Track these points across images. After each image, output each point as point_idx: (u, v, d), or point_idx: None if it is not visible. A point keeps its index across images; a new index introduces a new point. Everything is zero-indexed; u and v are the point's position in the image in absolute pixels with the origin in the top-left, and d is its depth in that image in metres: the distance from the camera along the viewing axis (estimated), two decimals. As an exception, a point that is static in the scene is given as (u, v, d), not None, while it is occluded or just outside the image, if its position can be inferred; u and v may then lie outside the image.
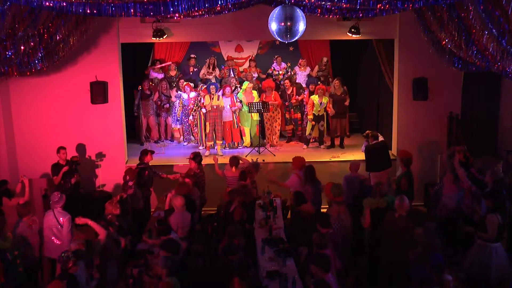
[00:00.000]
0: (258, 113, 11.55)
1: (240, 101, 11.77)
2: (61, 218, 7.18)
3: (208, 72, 12.78)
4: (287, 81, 12.23)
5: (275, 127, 11.97)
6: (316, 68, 12.95)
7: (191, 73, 12.79)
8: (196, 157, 9.25)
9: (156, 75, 12.58)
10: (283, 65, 13.07)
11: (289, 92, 12.14)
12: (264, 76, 12.80)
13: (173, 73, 12.68)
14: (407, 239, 6.56)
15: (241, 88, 12.12)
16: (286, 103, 12.11)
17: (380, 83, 12.11)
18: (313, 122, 11.72)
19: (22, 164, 9.99)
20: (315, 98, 11.61)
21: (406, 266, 6.26)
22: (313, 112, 11.67)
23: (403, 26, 10.27)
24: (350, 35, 10.39)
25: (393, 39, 10.71)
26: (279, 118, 12.06)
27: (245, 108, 11.74)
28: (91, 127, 10.23)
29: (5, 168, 9.69)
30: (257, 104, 11.41)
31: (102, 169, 10.33)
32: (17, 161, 10.09)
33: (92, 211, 9.17)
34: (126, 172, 8.73)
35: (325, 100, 11.62)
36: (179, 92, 12.17)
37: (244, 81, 12.36)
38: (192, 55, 12.93)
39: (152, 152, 9.51)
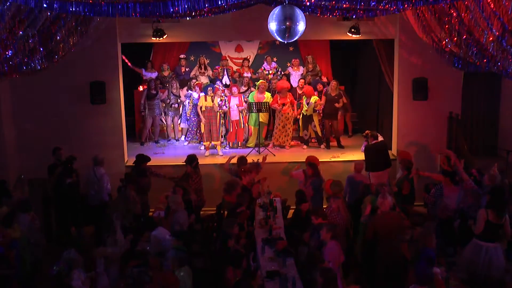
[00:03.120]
0: (268, 113, 11.55)
1: (247, 101, 11.76)
2: (98, 174, 9.06)
3: (200, 72, 12.78)
4: (301, 80, 12.20)
5: (288, 128, 11.91)
6: (304, 70, 12.90)
7: (183, 73, 12.79)
8: (192, 161, 9.17)
9: (150, 74, 12.58)
10: (273, 64, 13.08)
11: (300, 92, 12.09)
12: (255, 76, 12.81)
13: (166, 73, 12.69)
14: (400, 237, 6.64)
15: (254, 88, 12.08)
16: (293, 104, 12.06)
17: (380, 83, 12.12)
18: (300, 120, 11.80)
19: (22, 164, 9.98)
20: (304, 98, 11.61)
21: (401, 263, 6.31)
22: (302, 111, 11.66)
23: (403, 26, 10.27)
24: (350, 35, 10.39)
25: (393, 39, 10.71)
26: (293, 120, 11.97)
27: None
28: (91, 127, 10.23)
29: (4, 168, 9.69)
30: (257, 104, 11.40)
31: (102, 169, 10.32)
32: (17, 161, 10.09)
33: (92, 211, 9.20)
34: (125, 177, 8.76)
35: (313, 99, 11.58)
36: (189, 91, 12.16)
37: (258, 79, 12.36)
38: (182, 55, 12.94)
39: (149, 160, 9.44)
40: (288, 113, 11.76)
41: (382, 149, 9.60)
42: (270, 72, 12.97)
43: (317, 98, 11.64)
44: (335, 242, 6.16)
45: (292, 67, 12.95)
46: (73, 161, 9.23)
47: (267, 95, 11.78)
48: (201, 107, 11.41)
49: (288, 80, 12.48)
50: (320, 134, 11.94)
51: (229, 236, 6.49)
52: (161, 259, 6.26)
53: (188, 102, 12.15)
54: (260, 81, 12.04)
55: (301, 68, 12.97)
